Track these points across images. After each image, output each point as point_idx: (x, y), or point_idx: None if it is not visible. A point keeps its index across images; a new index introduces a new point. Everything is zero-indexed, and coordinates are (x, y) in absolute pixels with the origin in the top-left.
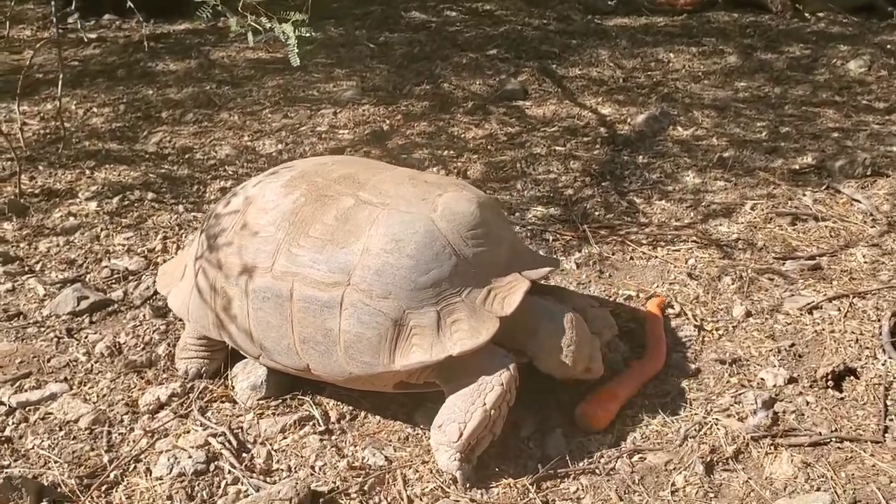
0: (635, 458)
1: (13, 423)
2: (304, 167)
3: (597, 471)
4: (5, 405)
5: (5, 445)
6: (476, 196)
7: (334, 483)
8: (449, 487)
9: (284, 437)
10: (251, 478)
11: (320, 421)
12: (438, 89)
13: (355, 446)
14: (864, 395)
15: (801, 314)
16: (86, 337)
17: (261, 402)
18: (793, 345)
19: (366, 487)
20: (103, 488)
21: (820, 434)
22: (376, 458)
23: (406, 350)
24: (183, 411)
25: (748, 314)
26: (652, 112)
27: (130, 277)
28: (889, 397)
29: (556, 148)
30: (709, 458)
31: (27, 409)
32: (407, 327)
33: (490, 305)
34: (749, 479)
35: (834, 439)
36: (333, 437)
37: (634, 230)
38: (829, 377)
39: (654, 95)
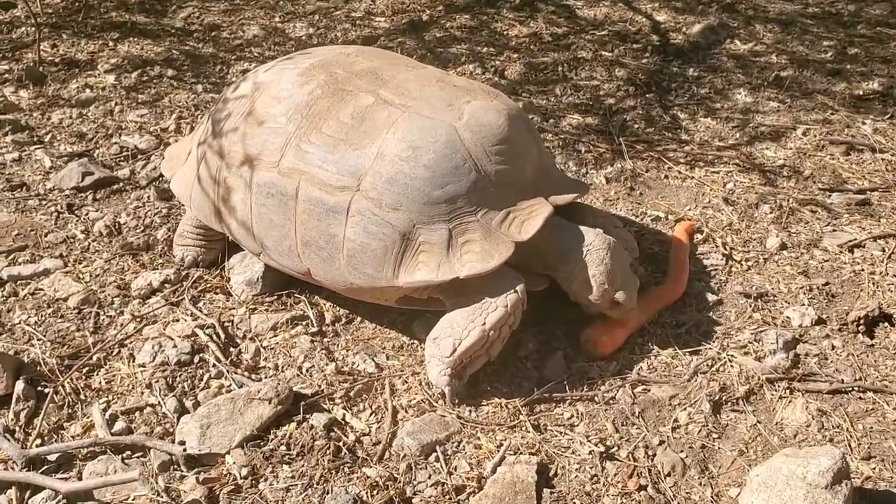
0: (638, 389)
1: (2, 296)
2: (325, 56)
3: (595, 398)
4: (9, 277)
5: (6, 319)
6: (507, 107)
7: (319, 386)
8: (437, 402)
9: (275, 335)
10: (235, 373)
11: (314, 321)
12: None
13: (347, 350)
14: None
15: (841, 252)
16: (86, 214)
17: (255, 297)
18: (826, 283)
19: (352, 394)
20: (84, 370)
21: (842, 381)
22: (367, 364)
23: (412, 266)
24: (174, 299)
25: (783, 247)
26: (710, 22)
27: (139, 156)
28: None
29: (603, 53)
30: (717, 397)
31: (18, 282)
32: (415, 242)
33: (507, 228)
34: (758, 422)
35: (856, 388)
36: (325, 340)
37: (673, 147)
38: (862, 321)
39: (714, 4)
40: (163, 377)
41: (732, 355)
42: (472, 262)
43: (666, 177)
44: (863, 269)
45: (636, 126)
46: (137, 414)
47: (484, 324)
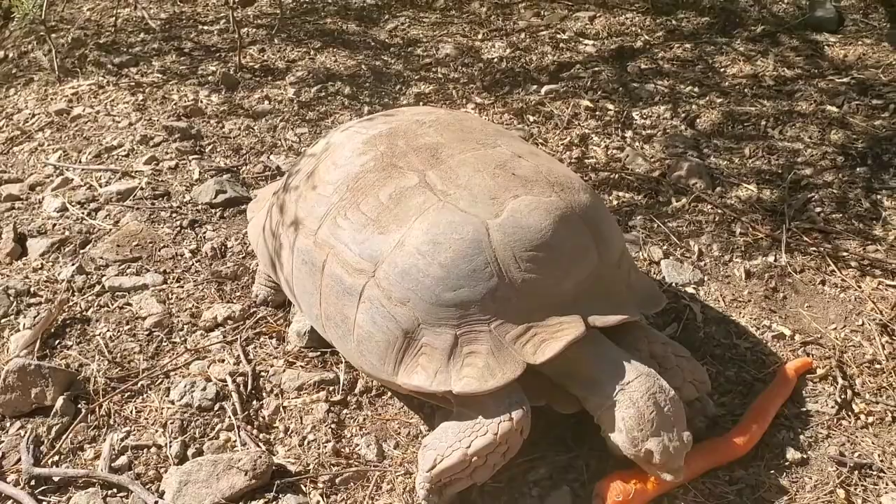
0: None
1: (97, 305)
2: (398, 123)
3: None
4: (102, 285)
5: (81, 324)
6: (565, 207)
7: (308, 465)
8: None
9: (298, 396)
10: (244, 429)
11: (341, 388)
12: (729, 2)
13: (359, 428)
14: None
15: None
16: (203, 233)
17: (302, 349)
18: None
19: (338, 480)
20: (125, 395)
21: None
22: (369, 449)
23: (411, 367)
24: (231, 337)
25: None
26: None
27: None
28: None
29: (828, 107)
30: None
31: (116, 293)
32: (417, 343)
33: (522, 346)
34: None
35: None
36: (344, 412)
37: (855, 245)
38: None
39: None
40: (180, 419)
41: None
42: (468, 378)
43: (823, 282)
44: None
45: (819, 210)
46: (144, 451)
47: (468, 447)
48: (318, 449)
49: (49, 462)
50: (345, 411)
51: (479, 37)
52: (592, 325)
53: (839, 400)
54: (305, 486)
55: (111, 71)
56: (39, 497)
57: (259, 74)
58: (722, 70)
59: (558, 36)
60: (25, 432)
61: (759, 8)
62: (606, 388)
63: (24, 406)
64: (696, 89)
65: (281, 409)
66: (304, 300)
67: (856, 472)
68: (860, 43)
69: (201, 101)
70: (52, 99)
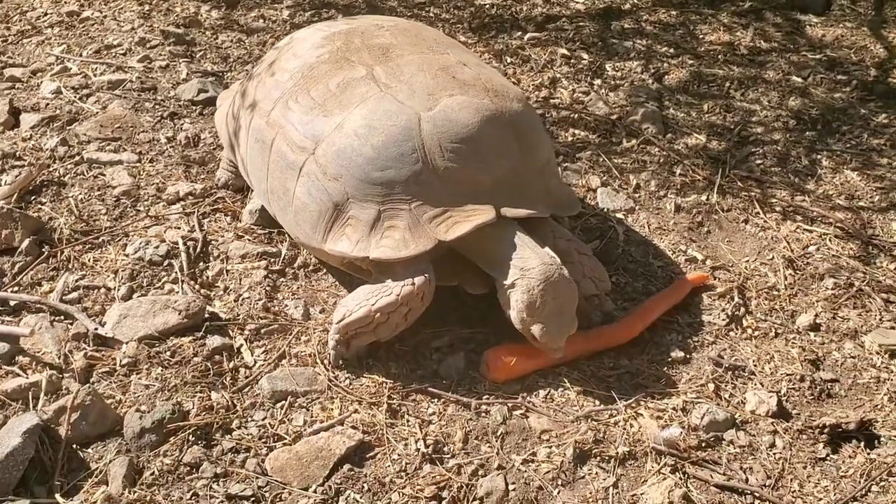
0: (517, 412)
1: (74, 173)
2: (358, 24)
3: (470, 406)
4: (81, 157)
5: (56, 187)
6: (495, 110)
7: (237, 315)
8: (323, 361)
9: (241, 262)
10: (187, 283)
11: (281, 260)
12: None
13: (292, 294)
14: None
15: (879, 354)
16: (181, 125)
17: (252, 226)
18: (834, 381)
19: (262, 331)
20: (86, 246)
21: (744, 481)
22: (297, 310)
23: (338, 236)
24: (189, 210)
25: (813, 328)
26: None
27: None
28: None
29: (793, 78)
30: (589, 447)
31: (92, 165)
32: (345, 214)
33: (436, 226)
34: (613, 486)
35: (753, 494)
36: (281, 279)
37: (784, 194)
38: (828, 430)
39: None
40: (131, 269)
41: (640, 414)
42: (384, 248)
43: (746, 221)
44: (889, 380)
45: (759, 162)
46: (94, 291)
47: (373, 304)
48: (251, 305)
49: (8, 290)
50: (281, 279)
51: None
52: (504, 215)
53: (730, 314)
54: (232, 332)
55: None
56: None
57: None
58: (701, 37)
59: None
60: None
61: None
62: (507, 271)
63: None
64: (671, 50)
65: (224, 272)
66: (255, 176)
67: (729, 373)
68: (841, 26)
69: (201, 15)
70: (64, 1)
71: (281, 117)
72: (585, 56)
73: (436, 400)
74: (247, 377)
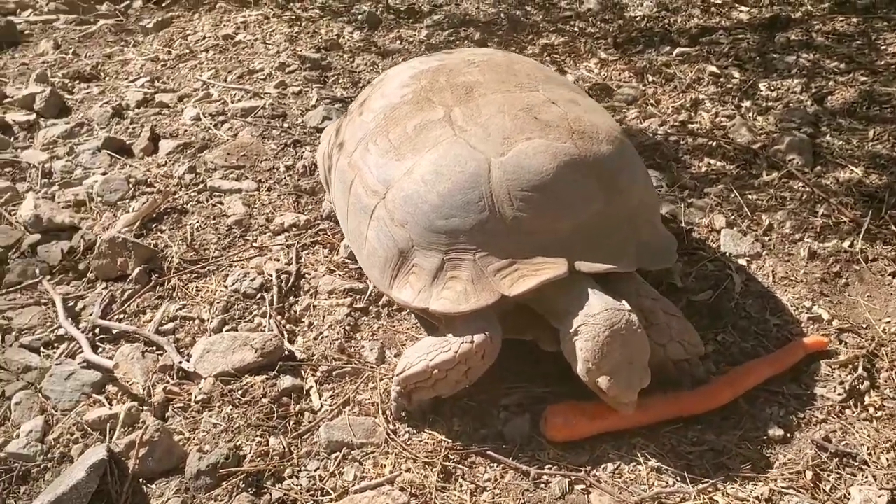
0: (579, 487)
1: (195, 201)
2: (450, 60)
3: (529, 475)
4: (205, 185)
5: (178, 214)
6: (577, 154)
7: (313, 354)
8: (386, 412)
9: (328, 297)
10: (274, 318)
11: (366, 297)
12: None
13: (371, 334)
14: None
15: None
16: (302, 153)
17: (346, 259)
18: None
19: (335, 373)
20: (192, 276)
21: None
22: (372, 353)
23: (402, 283)
24: (291, 241)
25: None
26: None
27: None
28: None
29: None
30: None
31: (214, 193)
32: (410, 262)
33: (501, 279)
34: None
35: None
36: (364, 318)
37: None
38: None
39: None
40: (226, 300)
41: (714, 501)
42: (444, 300)
43: (894, 275)
44: None
45: None
46: (189, 322)
47: (431, 360)
48: (328, 345)
49: (114, 318)
50: (363, 318)
51: None
52: (578, 270)
53: (850, 388)
54: (305, 373)
55: (280, 4)
56: (96, 343)
57: (402, 16)
58: (882, 48)
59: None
60: (105, 292)
61: None
62: (571, 320)
63: (111, 272)
64: (841, 65)
65: (311, 307)
66: (340, 214)
67: (835, 460)
68: None
69: (343, 37)
70: (224, 24)
71: (360, 159)
72: (737, 74)
73: (494, 465)
74: (310, 422)
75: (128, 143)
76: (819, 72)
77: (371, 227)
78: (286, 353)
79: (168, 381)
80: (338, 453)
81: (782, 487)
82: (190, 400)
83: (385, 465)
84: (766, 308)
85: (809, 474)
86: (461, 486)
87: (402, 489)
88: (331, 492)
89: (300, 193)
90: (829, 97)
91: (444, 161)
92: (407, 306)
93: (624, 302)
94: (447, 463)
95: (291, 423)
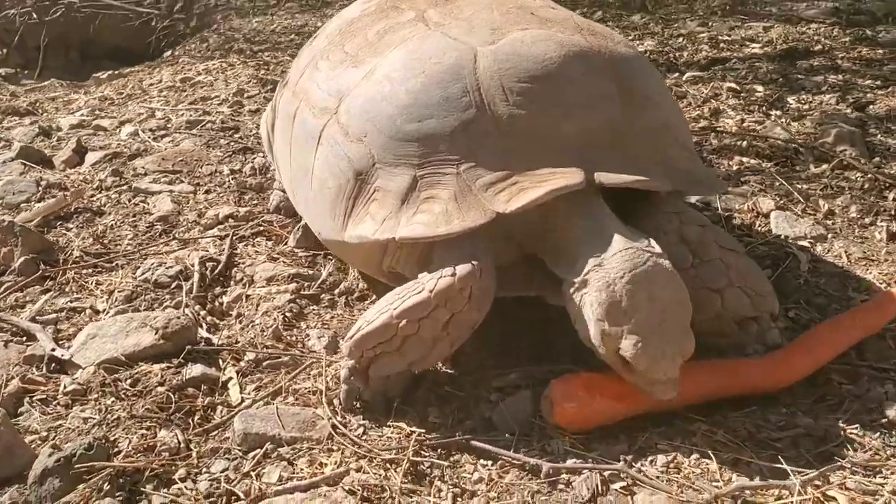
0: (617, 485)
1: (115, 202)
2: None
3: (539, 471)
4: (135, 189)
5: (90, 214)
6: (588, 46)
7: (237, 342)
8: (332, 401)
9: (266, 285)
10: (190, 307)
11: (318, 284)
12: None
13: (322, 322)
14: None
15: None
16: (253, 159)
17: (294, 248)
18: None
19: (264, 363)
20: (95, 269)
21: None
22: (320, 342)
23: (360, 217)
24: (225, 233)
25: None
26: None
27: None
28: None
29: None
30: None
31: (139, 194)
32: (369, 186)
33: (494, 193)
34: None
35: None
36: (312, 307)
37: None
38: None
39: None
40: (130, 290)
41: (831, 497)
42: (418, 224)
43: None
44: None
45: None
46: (78, 314)
47: (395, 309)
48: (259, 331)
49: None
50: (312, 307)
51: (630, 37)
52: (597, 182)
53: None
54: (223, 361)
55: (247, 54)
56: None
57: None
58: None
59: (720, 37)
60: None
61: None
62: (581, 264)
63: None
64: (877, 82)
65: (244, 297)
66: (282, 165)
67: None
68: None
69: None
70: (185, 72)
71: (307, 81)
72: (759, 88)
73: (488, 462)
74: (222, 417)
75: (49, 155)
76: (853, 87)
77: (318, 155)
78: (200, 339)
79: (33, 374)
80: (258, 451)
81: None
82: (57, 392)
83: (326, 465)
84: (845, 286)
85: None
86: (439, 489)
87: (350, 492)
88: (242, 496)
89: (245, 190)
90: (871, 106)
91: (416, 55)
92: (365, 242)
93: (652, 240)
94: (418, 459)
95: (196, 418)
